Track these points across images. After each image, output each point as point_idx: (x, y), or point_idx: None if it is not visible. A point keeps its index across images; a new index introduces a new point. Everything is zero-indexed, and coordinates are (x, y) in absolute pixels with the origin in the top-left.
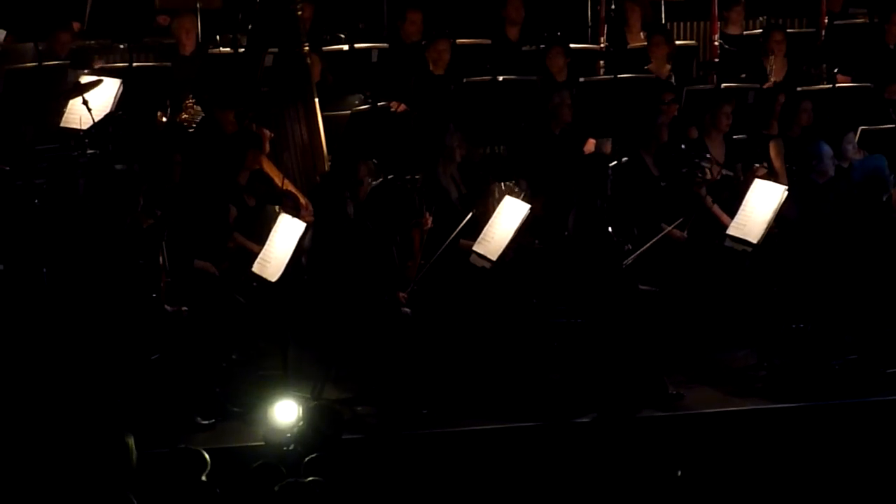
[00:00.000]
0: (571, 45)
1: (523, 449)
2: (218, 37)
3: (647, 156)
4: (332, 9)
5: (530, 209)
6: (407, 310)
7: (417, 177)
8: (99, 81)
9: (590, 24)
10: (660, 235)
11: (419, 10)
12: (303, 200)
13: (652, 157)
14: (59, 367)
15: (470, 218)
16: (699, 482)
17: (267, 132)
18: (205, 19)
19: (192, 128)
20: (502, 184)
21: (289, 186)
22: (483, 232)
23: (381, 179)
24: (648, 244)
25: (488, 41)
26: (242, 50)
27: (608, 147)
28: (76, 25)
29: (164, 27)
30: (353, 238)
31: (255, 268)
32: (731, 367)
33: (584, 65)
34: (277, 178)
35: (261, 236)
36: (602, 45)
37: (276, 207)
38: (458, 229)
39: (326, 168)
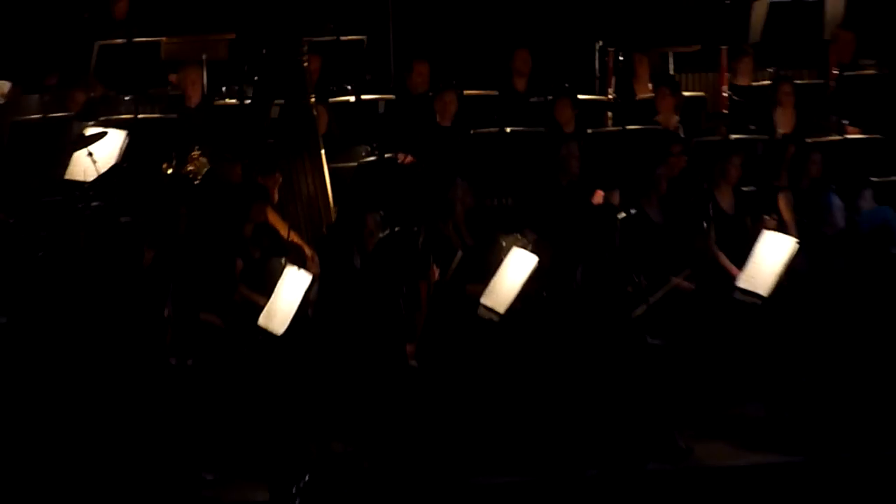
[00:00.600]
0: (579, 97)
1: (531, 503)
2: (224, 88)
3: (648, 206)
4: (338, 60)
5: (538, 261)
6: (413, 363)
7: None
8: (104, 133)
9: (597, 75)
10: (667, 287)
11: (426, 60)
12: (308, 252)
13: (654, 207)
14: (62, 418)
15: (460, 258)
16: None
17: (277, 178)
18: (211, 71)
19: (198, 180)
20: (510, 235)
21: (295, 238)
22: (490, 284)
23: (387, 231)
24: (656, 295)
25: (495, 92)
26: (248, 101)
27: (616, 198)
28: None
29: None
30: (360, 290)
31: (261, 320)
32: (741, 421)
33: (592, 116)
34: (283, 230)
35: (266, 288)
36: (610, 97)
37: (283, 259)
38: (450, 269)
39: (333, 219)
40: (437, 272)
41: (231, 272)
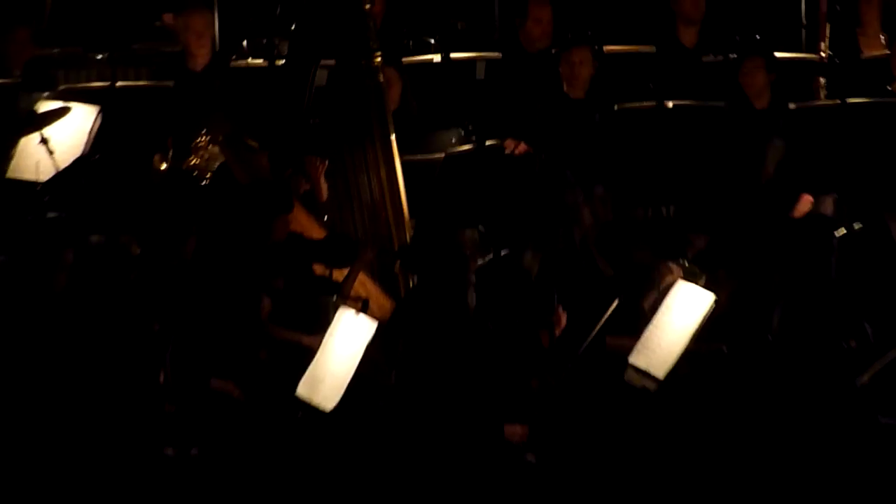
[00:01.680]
0: (777, 55)
1: None
2: (245, 42)
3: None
4: (414, 1)
5: (715, 300)
6: (531, 457)
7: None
8: (65, 110)
9: (804, 22)
10: None
11: (548, 3)
12: (371, 287)
13: None
14: None
15: (616, 307)
16: None
17: (322, 177)
18: (225, 16)
19: (207, 178)
20: (670, 263)
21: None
22: (644, 336)
23: (490, 256)
24: (891, 354)
25: (651, 48)
26: (282, 62)
27: (830, 207)
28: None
29: (167, 30)
30: (472, 343)
31: (302, 389)
32: None
33: (796, 83)
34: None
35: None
36: (823, 55)
37: (333, 298)
38: (599, 324)
39: (408, 237)
40: (563, 317)
41: (254, 317)
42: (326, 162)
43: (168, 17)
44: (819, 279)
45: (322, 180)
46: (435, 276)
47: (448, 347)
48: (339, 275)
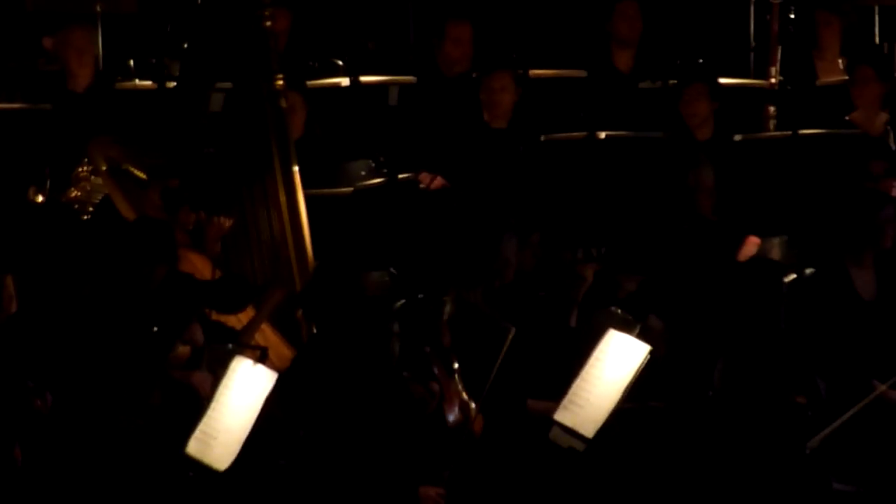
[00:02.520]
0: (722, 81)
1: None
2: (132, 62)
3: (856, 269)
4: (321, 17)
5: (650, 352)
6: None
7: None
8: None
9: (753, 45)
10: (869, 398)
11: (467, 20)
12: (270, 334)
13: (866, 271)
14: None
15: (512, 339)
16: None
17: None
18: (109, 33)
19: (88, 213)
20: (602, 311)
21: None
22: (570, 391)
23: (402, 302)
24: (849, 413)
25: (582, 72)
26: (174, 84)
27: (779, 250)
28: None
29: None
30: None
31: (192, 448)
32: None
33: (743, 113)
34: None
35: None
36: (773, 81)
37: (228, 346)
38: (496, 364)
39: (310, 280)
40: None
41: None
42: (231, 220)
43: (48, 43)
44: (766, 329)
45: (219, 237)
46: (340, 325)
47: (360, 401)
48: (232, 320)
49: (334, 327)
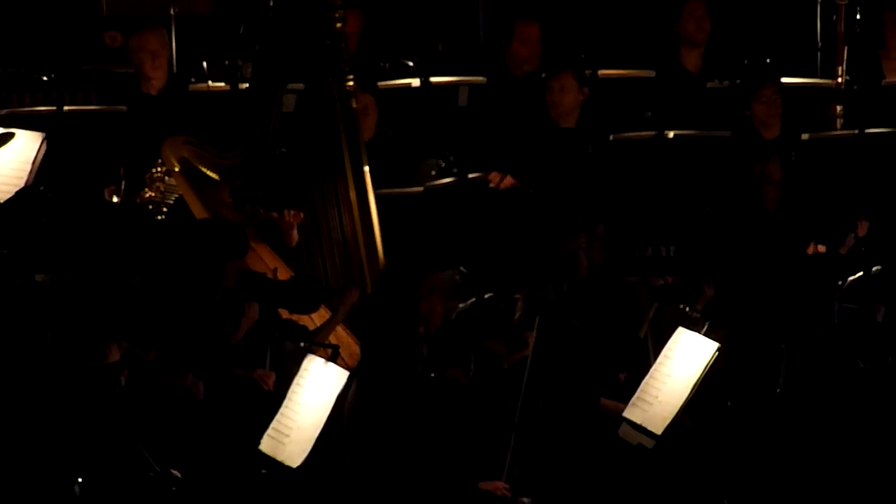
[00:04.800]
0: (787, 80)
1: None
2: (205, 64)
3: None
4: (391, 19)
5: (719, 351)
6: (526, 500)
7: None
8: (7, 136)
9: (820, 44)
10: None
11: (535, 21)
12: (344, 335)
13: None
14: None
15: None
16: None
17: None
18: (183, 36)
19: (163, 213)
20: (671, 309)
21: (321, 312)
22: (640, 389)
23: (472, 300)
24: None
25: (651, 72)
26: (246, 86)
27: (846, 247)
28: None
29: (114, 48)
30: (423, 396)
31: (265, 445)
32: None
33: (809, 112)
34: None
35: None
36: (840, 80)
37: (301, 346)
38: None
39: (381, 279)
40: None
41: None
42: (301, 214)
43: (110, 36)
44: (823, 325)
45: (294, 230)
46: (386, 324)
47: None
48: (304, 319)
49: (380, 327)
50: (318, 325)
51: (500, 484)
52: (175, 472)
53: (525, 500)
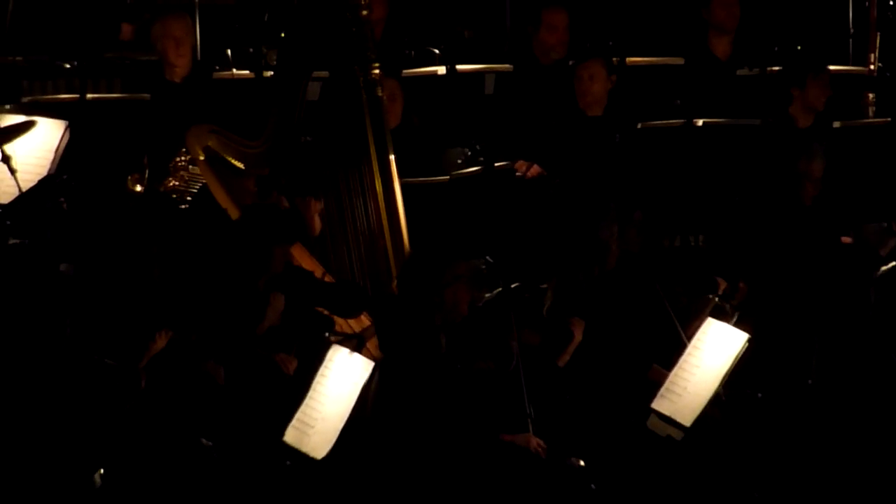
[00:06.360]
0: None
1: None
2: (229, 52)
3: None
4: (417, 6)
5: (748, 340)
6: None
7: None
8: (30, 124)
9: (852, 31)
10: None
11: (563, 8)
12: (367, 323)
13: None
14: None
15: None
16: None
17: (313, 202)
18: (207, 23)
19: (186, 201)
20: (699, 300)
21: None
22: (668, 380)
23: (497, 290)
24: None
25: (680, 60)
26: (271, 74)
27: (880, 237)
28: None
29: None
30: (445, 387)
31: (290, 436)
32: None
33: (842, 99)
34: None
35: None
36: (872, 68)
37: (325, 336)
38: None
39: (406, 268)
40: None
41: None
42: (322, 201)
43: (127, 28)
44: (861, 315)
45: (317, 217)
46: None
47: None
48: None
49: (425, 316)
50: (349, 329)
51: (536, 440)
52: (205, 441)
53: (576, 459)
